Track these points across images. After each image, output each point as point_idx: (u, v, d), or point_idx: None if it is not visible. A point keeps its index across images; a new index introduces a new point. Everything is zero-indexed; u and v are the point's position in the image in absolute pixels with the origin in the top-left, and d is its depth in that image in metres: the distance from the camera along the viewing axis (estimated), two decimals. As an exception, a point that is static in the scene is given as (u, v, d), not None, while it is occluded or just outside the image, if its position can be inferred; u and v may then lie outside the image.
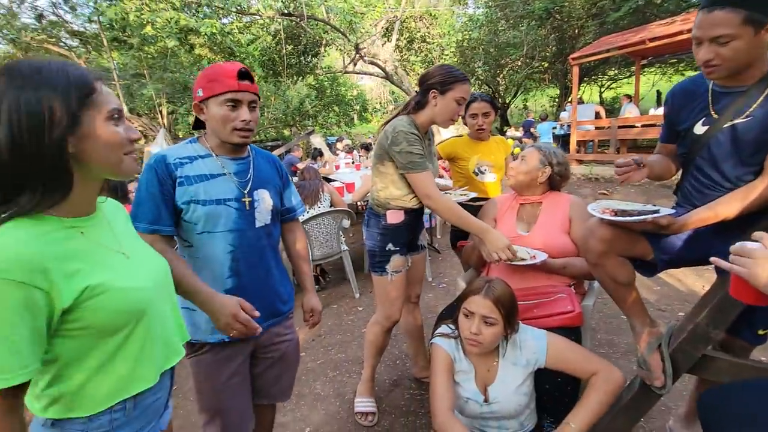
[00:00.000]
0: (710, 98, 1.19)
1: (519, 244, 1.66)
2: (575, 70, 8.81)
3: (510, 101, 17.47)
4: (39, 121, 0.64)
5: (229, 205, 1.17)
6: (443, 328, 1.40)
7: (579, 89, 10.93)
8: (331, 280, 3.86)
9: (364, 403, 1.95)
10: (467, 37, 13.53)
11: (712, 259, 0.88)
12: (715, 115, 1.17)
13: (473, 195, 2.02)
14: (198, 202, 1.14)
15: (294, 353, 1.43)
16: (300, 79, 14.79)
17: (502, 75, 15.51)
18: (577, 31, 12.60)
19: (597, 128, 8.92)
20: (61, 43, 15.11)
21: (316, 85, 15.57)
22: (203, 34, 9.52)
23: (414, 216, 1.81)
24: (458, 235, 2.27)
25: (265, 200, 1.26)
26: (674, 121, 1.31)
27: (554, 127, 10.07)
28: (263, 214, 1.25)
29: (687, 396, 1.73)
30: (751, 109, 1.10)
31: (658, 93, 13.03)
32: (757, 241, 0.77)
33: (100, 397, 0.72)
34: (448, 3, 15.09)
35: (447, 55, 13.18)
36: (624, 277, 1.28)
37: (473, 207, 2.14)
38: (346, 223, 3.50)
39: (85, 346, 0.70)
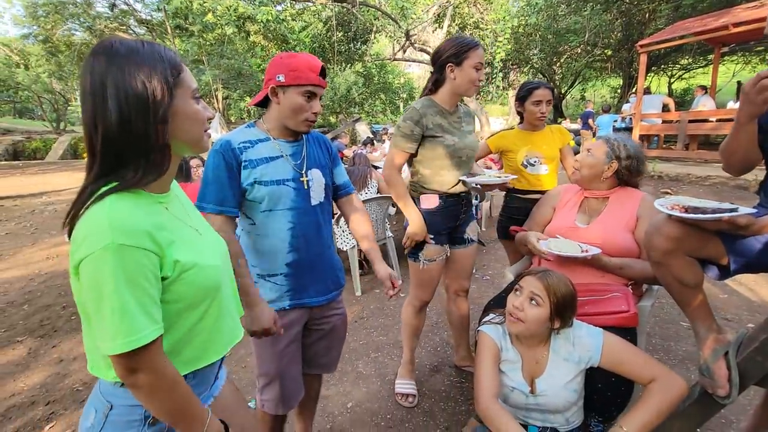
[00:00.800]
0: None
1: (574, 236, 1.61)
2: (642, 59, 8.17)
3: (566, 91, 16.57)
4: (144, 99, 0.68)
5: (288, 185, 1.25)
6: (490, 316, 1.40)
7: (645, 79, 10.13)
8: (374, 265, 3.93)
9: (404, 385, 2.00)
10: (523, 22, 12.91)
11: None
12: None
13: (511, 177, 1.87)
14: (261, 182, 1.22)
15: (343, 327, 1.51)
16: (348, 66, 14.92)
17: (558, 63, 14.71)
18: (647, 15, 11.62)
19: (664, 122, 8.25)
20: (130, 31, 16.30)
21: (364, 73, 15.64)
22: (259, 21, 9.86)
23: (453, 203, 1.78)
24: (506, 224, 2.20)
25: (317, 179, 1.33)
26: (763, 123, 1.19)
27: (615, 120, 9.44)
28: (317, 192, 1.33)
29: (750, 410, 1.61)
30: None
31: (740, 84, 11.76)
32: None
33: (178, 366, 0.74)
34: (505, -13, 14.44)
35: (501, 41, 12.65)
36: (691, 279, 1.20)
37: (528, 201, 2.08)
38: (392, 209, 3.54)
39: (173, 318, 0.73)
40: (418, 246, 1.81)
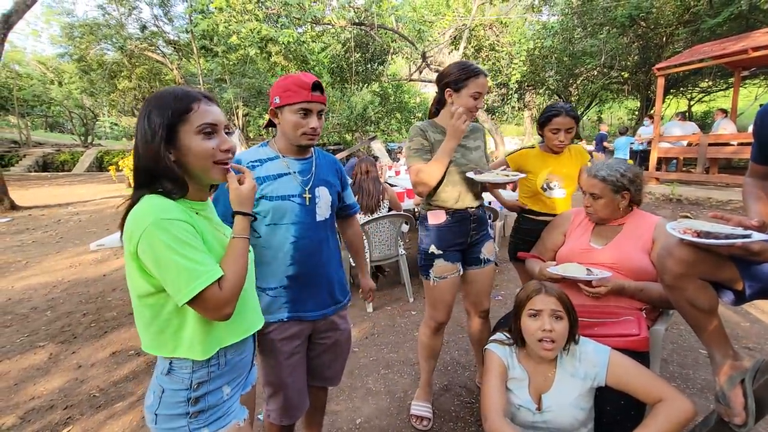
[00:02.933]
0: None
1: (589, 257, 1.61)
2: (660, 81, 8.13)
3: (582, 113, 16.53)
4: (148, 132, 0.86)
5: (293, 201, 1.31)
6: (498, 335, 1.40)
7: (664, 102, 10.06)
8: (387, 282, 3.94)
9: (420, 408, 1.98)
10: (539, 45, 13.05)
11: None
12: None
13: (520, 176, 1.80)
14: (266, 197, 1.29)
15: (346, 342, 1.53)
16: (365, 85, 15.26)
17: (575, 85, 14.74)
18: (664, 39, 11.63)
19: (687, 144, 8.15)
20: (158, 51, 17.09)
21: (380, 92, 15.96)
22: (281, 42, 10.22)
23: (460, 218, 1.77)
24: (518, 246, 2.21)
25: (324, 197, 1.39)
26: (764, 143, 1.21)
27: (632, 143, 9.37)
28: (323, 209, 1.38)
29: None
30: None
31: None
32: None
33: (203, 345, 0.89)
34: (521, 11, 14.69)
35: (516, 63, 12.80)
36: (705, 303, 1.19)
37: (540, 223, 2.08)
38: (405, 227, 3.56)
39: None
40: (428, 263, 1.81)
